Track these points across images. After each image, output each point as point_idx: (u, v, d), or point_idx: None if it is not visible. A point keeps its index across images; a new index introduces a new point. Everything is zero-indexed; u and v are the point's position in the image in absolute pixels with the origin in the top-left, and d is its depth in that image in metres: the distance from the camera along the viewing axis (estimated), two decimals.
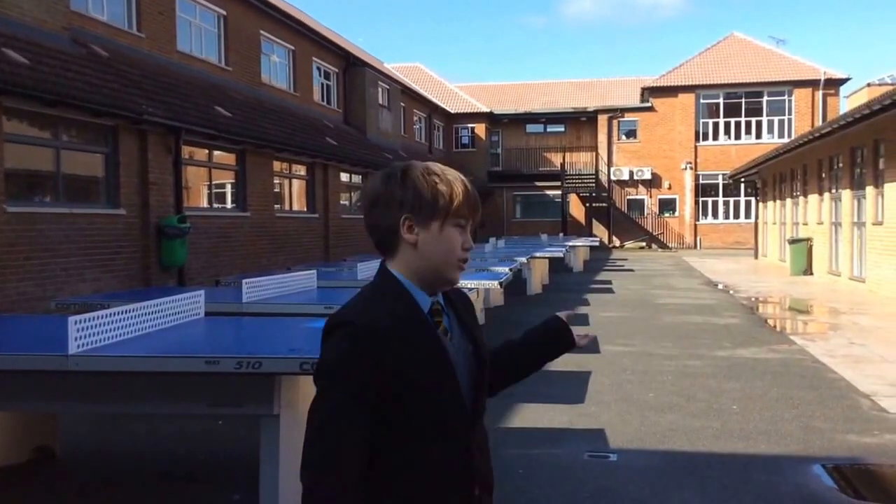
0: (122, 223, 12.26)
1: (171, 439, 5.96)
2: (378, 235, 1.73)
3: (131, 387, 4.17)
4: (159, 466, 5.37)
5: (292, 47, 22.03)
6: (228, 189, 16.49)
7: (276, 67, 21.40)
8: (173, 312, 4.89)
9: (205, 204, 15.64)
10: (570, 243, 23.67)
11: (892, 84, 21.54)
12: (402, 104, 31.40)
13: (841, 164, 18.62)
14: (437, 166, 1.75)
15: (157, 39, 15.52)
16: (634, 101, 39.43)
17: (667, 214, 37.96)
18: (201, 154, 15.23)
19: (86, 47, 12.69)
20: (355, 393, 1.60)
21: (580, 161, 39.26)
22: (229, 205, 16.43)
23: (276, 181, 18.16)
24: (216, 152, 15.61)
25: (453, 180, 1.71)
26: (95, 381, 4.15)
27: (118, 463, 5.48)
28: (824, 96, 35.72)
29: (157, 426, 6.23)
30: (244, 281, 7.14)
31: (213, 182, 15.98)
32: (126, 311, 4.42)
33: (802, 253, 21.15)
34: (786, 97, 36.35)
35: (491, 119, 41.17)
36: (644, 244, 37.70)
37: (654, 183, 37.81)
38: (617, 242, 38.24)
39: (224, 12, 18.23)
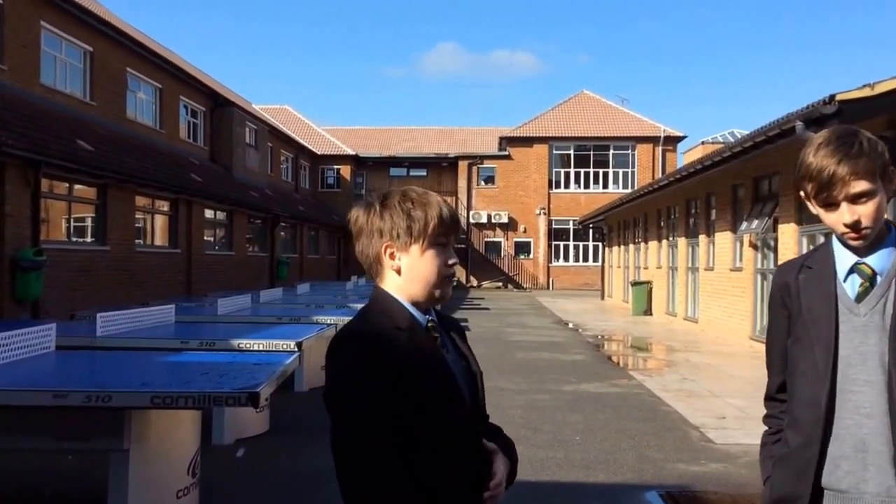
0: None
1: (15, 475, 5.63)
2: (366, 263, 1.82)
3: None
4: None
5: (159, 85, 21.62)
6: (89, 222, 15.89)
7: (142, 104, 20.91)
8: (21, 346, 4.72)
9: (64, 237, 15.06)
10: None
11: (723, 143, 23.43)
12: (269, 144, 31.13)
13: (677, 214, 20.14)
14: (414, 191, 1.80)
15: (19, 72, 14.94)
16: (493, 149, 41.00)
17: (522, 256, 39.52)
18: (61, 187, 14.65)
19: None
20: (375, 403, 1.60)
21: None
22: (89, 238, 15.80)
23: (139, 216, 17.68)
24: (77, 186, 15.04)
25: (428, 204, 1.77)
26: None
27: None
28: (664, 152, 38.66)
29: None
30: (99, 315, 6.93)
31: (73, 215, 15.43)
32: None
33: (643, 295, 22.57)
34: (630, 151, 39.06)
35: (356, 161, 41.48)
36: (501, 284, 38.95)
37: (510, 226, 39.32)
38: (475, 282, 39.29)
39: (90, 48, 17.75)
